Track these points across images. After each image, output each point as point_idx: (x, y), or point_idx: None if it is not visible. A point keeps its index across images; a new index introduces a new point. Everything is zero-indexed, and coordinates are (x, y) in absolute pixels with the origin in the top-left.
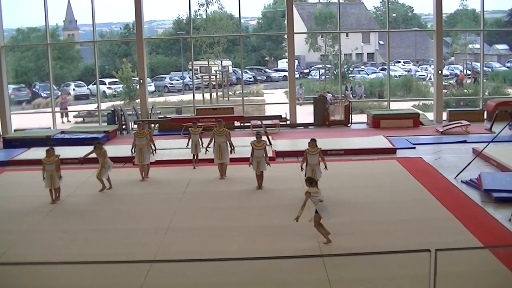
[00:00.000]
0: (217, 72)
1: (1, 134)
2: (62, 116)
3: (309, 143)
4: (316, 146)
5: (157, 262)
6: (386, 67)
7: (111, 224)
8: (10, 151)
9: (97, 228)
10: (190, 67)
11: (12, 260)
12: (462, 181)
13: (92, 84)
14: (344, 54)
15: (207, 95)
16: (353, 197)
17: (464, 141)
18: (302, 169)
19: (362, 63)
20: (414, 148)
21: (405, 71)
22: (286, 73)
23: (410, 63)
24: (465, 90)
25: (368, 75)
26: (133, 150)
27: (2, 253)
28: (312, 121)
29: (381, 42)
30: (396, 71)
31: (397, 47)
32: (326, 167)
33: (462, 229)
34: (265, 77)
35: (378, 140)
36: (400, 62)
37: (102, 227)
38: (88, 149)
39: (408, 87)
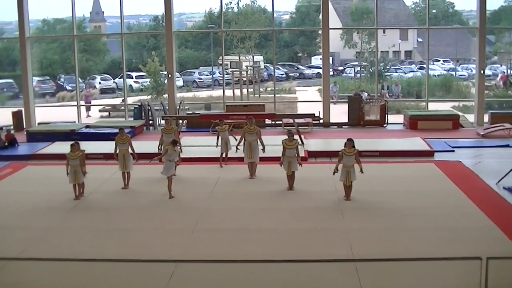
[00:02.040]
0: (248, 67)
1: (24, 127)
2: (86, 110)
3: (345, 143)
4: (353, 146)
5: (182, 262)
6: (424, 65)
7: (135, 224)
8: (34, 144)
9: (121, 227)
10: (220, 62)
11: (33, 256)
12: (504, 188)
13: (119, 78)
14: (381, 52)
15: (237, 91)
16: (389, 202)
17: (507, 145)
18: (337, 170)
19: (399, 61)
20: (453, 151)
21: (444, 70)
22: (320, 70)
23: (450, 62)
24: (509, 92)
25: (406, 73)
26: (160, 147)
27: (23, 249)
28: (346, 120)
29: (420, 40)
30: (435, 70)
31: (436, 45)
32: (361, 170)
33: (504, 239)
34: (297, 74)
35: (415, 142)
36: (439, 60)
37: (126, 227)
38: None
39: (448, 87)
